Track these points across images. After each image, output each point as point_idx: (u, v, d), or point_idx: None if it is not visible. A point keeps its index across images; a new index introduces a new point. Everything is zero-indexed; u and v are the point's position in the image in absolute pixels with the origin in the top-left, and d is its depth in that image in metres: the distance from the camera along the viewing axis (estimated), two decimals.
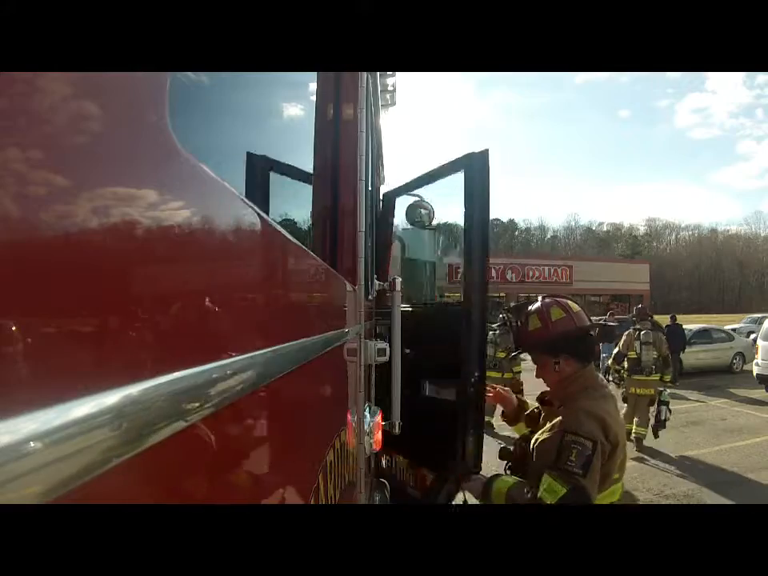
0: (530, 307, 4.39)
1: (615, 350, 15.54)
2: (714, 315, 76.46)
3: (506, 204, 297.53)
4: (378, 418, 4.17)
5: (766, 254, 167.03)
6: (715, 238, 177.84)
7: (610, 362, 17.25)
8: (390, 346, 4.09)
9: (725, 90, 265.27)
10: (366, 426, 3.61)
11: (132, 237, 0.71)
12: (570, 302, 4.34)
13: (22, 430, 0.48)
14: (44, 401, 0.52)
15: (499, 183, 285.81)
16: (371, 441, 3.80)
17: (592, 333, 4.29)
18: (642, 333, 14.63)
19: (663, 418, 14.26)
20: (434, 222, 6.02)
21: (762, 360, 21.93)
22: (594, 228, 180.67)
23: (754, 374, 22.50)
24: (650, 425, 14.31)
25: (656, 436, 14.23)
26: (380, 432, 4.33)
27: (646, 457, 13.40)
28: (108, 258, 0.66)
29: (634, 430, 13.78)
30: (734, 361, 29.18)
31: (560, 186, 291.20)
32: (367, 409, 3.68)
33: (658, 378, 14.35)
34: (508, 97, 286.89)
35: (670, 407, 14.70)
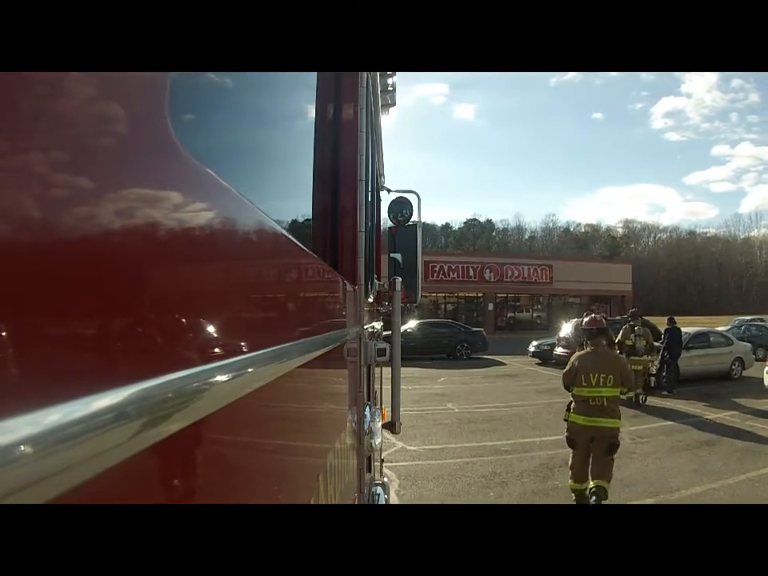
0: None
1: (616, 339, 20.06)
2: (696, 317, 74.81)
3: (484, 205, 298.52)
4: (378, 418, 4.21)
5: (745, 256, 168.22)
6: (694, 240, 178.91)
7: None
8: (391, 346, 4.15)
9: (699, 94, 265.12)
10: (365, 426, 3.68)
11: (132, 237, 0.72)
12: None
13: (24, 429, 0.48)
14: (48, 400, 0.52)
15: (476, 184, 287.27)
16: (371, 441, 3.85)
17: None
18: (636, 328, 21.12)
19: (652, 385, 21.40)
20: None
21: None
22: (572, 229, 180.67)
23: (766, 382, 20.89)
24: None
25: (641, 402, 19.92)
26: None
27: (663, 495, 10.83)
28: (107, 258, 0.66)
29: (636, 391, 18.69)
30: (733, 366, 27.01)
31: (537, 187, 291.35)
32: (367, 409, 3.74)
33: (647, 358, 21.06)
34: (482, 98, 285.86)
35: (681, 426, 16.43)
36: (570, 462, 10.57)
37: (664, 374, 22.85)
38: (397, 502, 10.04)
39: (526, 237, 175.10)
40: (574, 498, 10.63)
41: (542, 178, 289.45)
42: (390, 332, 4.60)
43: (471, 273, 66.94)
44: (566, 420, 10.40)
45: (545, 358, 33.32)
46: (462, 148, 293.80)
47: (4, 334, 0.48)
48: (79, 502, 0.57)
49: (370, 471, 4.68)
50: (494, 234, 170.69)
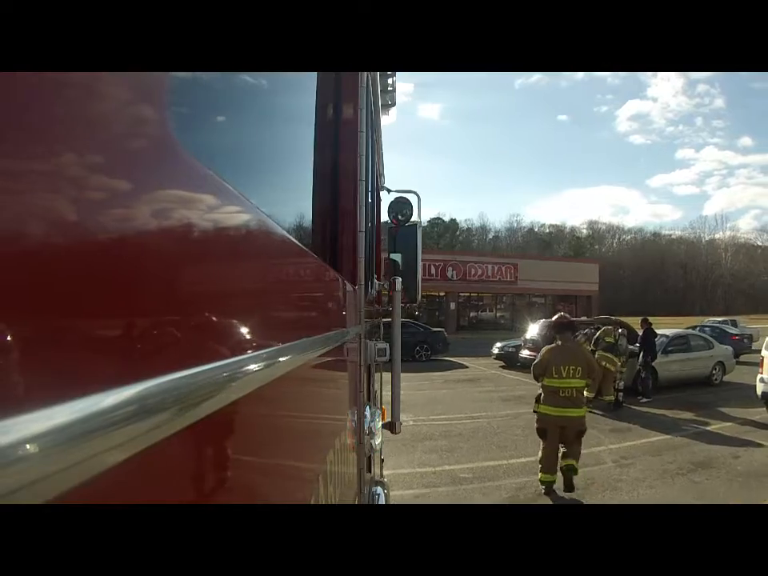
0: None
1: (595, 335, 21.35)
2: (662, 318, 72.69)
3: (448, 204, 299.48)
4: (378, 418, 4.23)
5: (710, 257, 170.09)
6: (658, 242, 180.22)
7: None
8: (390, 346, 4.20)
9: (665, 98, 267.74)
10: (365, 426, 3.70)
11: (129, 236, 0.72)
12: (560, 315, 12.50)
13: (26, 428, 0.48)
14: (48, 399, 0.52)
15: (441, 183, 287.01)
16: (371, 441, 3.88)
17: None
18: (621, 330, 21.69)
19: (620, 400, 20.16)
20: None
21: None
22: (536, 230, 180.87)
23: (758, 391, 18.38)
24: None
25: (619, 405, 19.75)
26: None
27: None
28: (106, 257, 0.66)
29: (606, 399, 19.59)
30: (714, 371, 25.40)
31: (502, 187, 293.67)
32: (367, 409, 3.77)
33: (620, 360, 20.44)
34: (447, 99, 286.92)
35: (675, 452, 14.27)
36: (539, 456, 11.31)
37: (642, 375, 21.83)
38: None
39: (491, 236, 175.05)
40: (543, 489, 11.16)
41: (506, 178, 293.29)
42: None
43: (433, 271, 64.65)
44: (535, 411, 11.48)
45: (509, 360, 31.95)
46: (427, 147, 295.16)
47: (10, 333, 0.49)
48: (80, 502, 0.57)
49: (370, 471, 4.71)
50: (457, 233, 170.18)
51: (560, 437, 11.14)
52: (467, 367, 33.03)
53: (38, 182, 0.54)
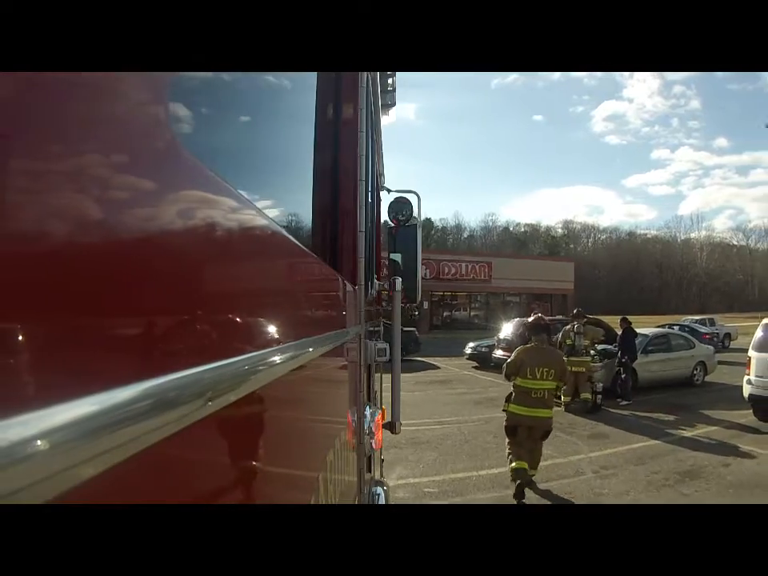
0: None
1: (558, 340, 19.95)
2: (638, 317, 72.77)
3: (423, 203, 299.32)
4: (378, 417, 4.23)
5: (685, 257, 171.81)
6: (634, 241, 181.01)
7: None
8: (390, 346, 4.22)
9: (641, 99, 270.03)
10: (365, 426, 3.71)
11: (128, 236, 0.72)
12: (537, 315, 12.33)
13: (36, 425, 0.48)
14: (49, 399, 0.52)
15: (415, 183, 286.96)
16: (371, 441, 3.89)
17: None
18: (576, 326, 19.84)
19: (599, 402, 19.16)
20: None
21: (757, 377, 16.40)
22: (511, 229, 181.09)
23: (745, 393, 16.84)
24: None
25: (598, 408, 18.81)
26: (380, 432, 4.44)
27: None
28: (100, 256, 0.67)
29: (582, 397, 18.92)
30: (695, 372, 24.37)
31: (477, 187, 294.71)
32: (367, 409, 3.78)
33: (589, 360, 19.57)
34: (422, 99, 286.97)
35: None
36: (507, 451, 11.31)
37: (622, 376, 20.75)
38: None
39: (465, 235, 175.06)
40: (515, 479, 10.70)
41: (482, 177, 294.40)
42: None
43: None
44: (504, 411, 11.30)
45: (482, 360, 30.83)
46: (402, 147, 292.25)
47: (17, 332, 0.50)
48: (85, 501, 0.57)
49: (370, 471, 4.71)
50: (432, 232, 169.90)
51: (526, 436, 11.09)
52: (439, 368, 32.02)
53: (40, 182, 0.54)
